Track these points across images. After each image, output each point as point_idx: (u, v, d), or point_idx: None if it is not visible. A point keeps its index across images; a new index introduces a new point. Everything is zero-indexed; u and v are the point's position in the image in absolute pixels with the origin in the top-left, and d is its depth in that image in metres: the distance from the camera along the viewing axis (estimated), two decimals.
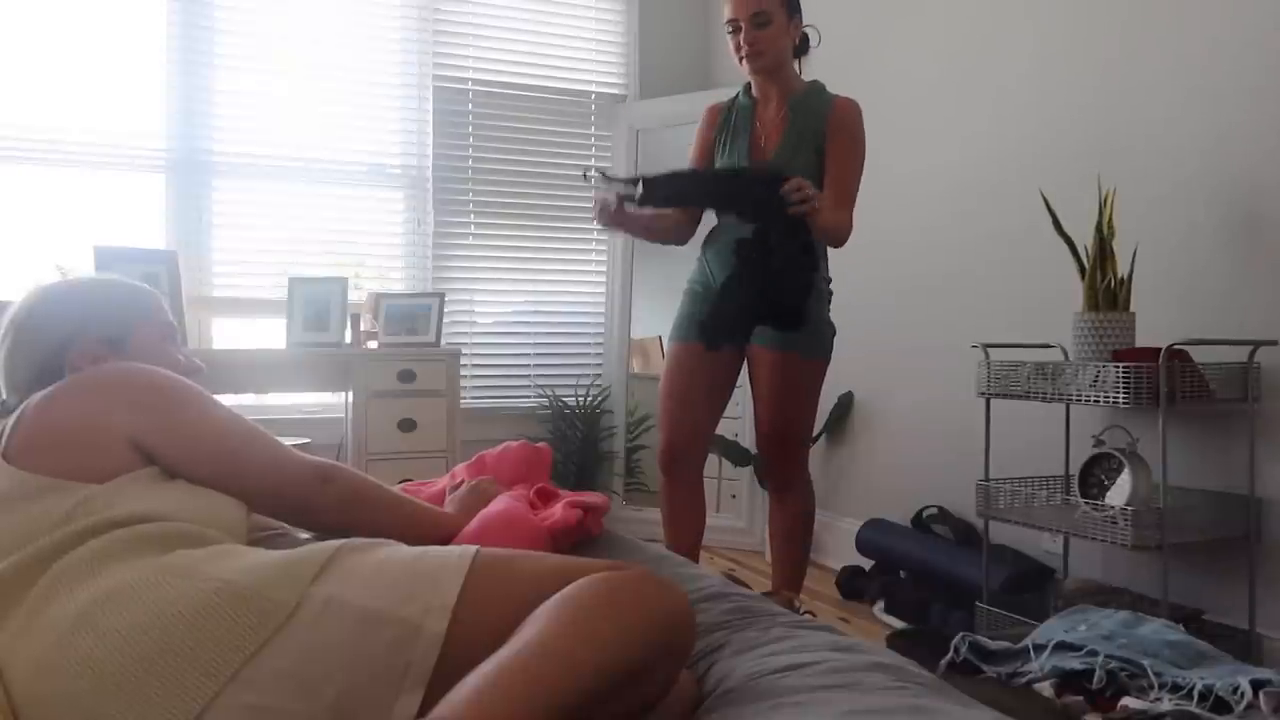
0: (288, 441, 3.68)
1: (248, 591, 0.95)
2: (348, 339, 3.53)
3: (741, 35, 2.43)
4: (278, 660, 0.91)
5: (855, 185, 2.45)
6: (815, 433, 3.65)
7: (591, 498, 1.77)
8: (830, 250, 2.55)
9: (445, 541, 1.40)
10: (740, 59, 2.47)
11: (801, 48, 2.57)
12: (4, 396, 1.27)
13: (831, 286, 2.57)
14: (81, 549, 1.00)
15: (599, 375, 4.30)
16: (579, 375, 4.26)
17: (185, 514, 1.10)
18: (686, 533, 2.58)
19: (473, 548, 1.06)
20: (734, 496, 3.96)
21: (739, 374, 2.61)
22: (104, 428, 1.12)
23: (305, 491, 1.23)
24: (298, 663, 0.91)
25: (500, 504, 1.59)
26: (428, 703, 0.90)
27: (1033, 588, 2.67)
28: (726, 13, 2.46)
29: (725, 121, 2.59)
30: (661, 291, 3.81)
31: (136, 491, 1.09)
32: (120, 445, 1.12)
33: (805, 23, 2.53)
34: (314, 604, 0.95)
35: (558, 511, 1.66)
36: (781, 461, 2.59)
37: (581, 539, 1.75)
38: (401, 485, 2.00)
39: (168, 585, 0.95)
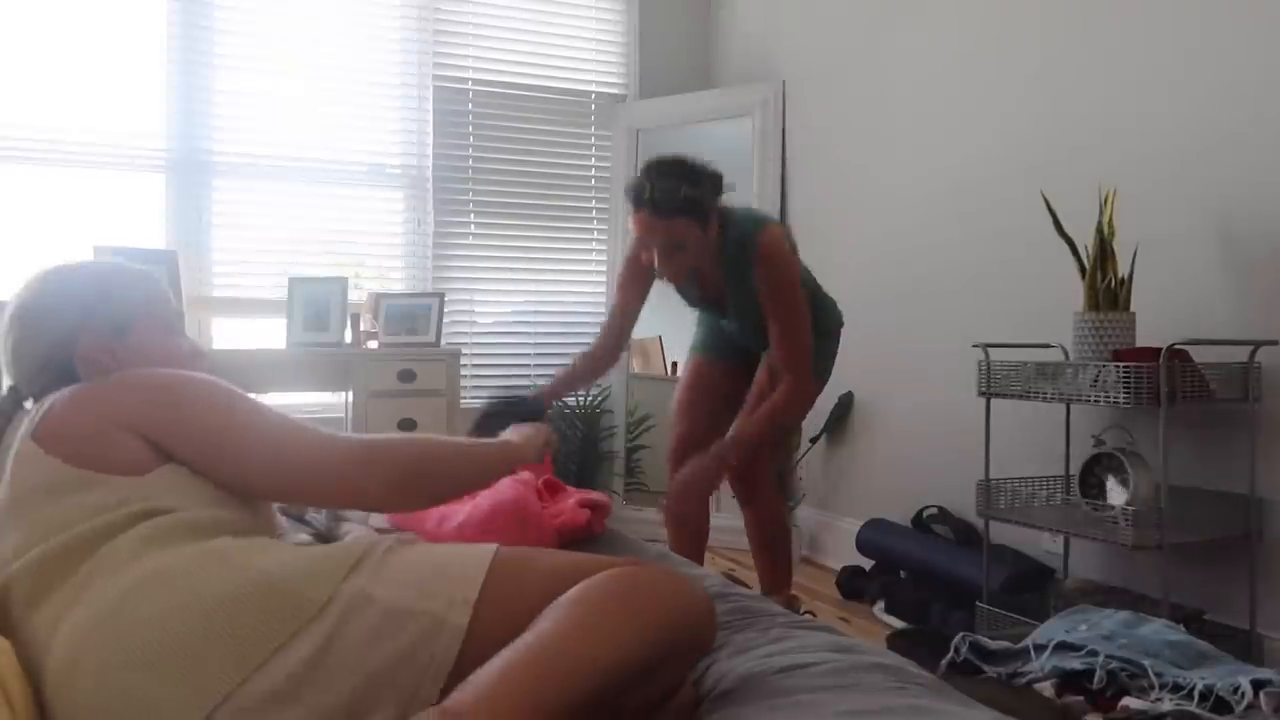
0: None
1: (282, 585, 0.98)
2: (348, 339, 3.53)
3: (656, 255, 2.22)
4: (305, 652, 0.94)
5: (804, 339, 2.30)
6: (815, 433, 3.66)
7: (598, 497, 1.78)
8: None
9: (511, 470, 1.38)
10: (659, 272, 2.29)
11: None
12: (10, 384, 1.25)
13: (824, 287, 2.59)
14: (130, 532, 1.02)
15: None
16: None
17: (227, 506, 1.12)
18: (692, 535, 2.59)
19: (492, 546, 1.10)
20: (734, 497, 3.95)
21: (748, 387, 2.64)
22: (129, 444, 1.09)
23: (349, 485, 1.14)
24: (324, 655, 0.94)
25: (511, 492, 1.59)
26: (446, 694, 0.93)
27: (1033, 588, 2.67)
28: (631, 227, 2.23)
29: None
30: (661, 292, 3.81)
31: (180, 484, 1.10)
32: (151, 454, 1.10)
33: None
34: (343, 600, 0.98)
35: (567, 510, 1.67)
36: (744, 470, 2.61)
37: (584, 537, 1.75)
38: None
39: (206, 570, 0.99)
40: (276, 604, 0.96)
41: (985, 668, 1.89)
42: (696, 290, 2.49)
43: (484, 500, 1.65)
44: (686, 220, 2.16)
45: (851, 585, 3.20)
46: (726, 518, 3.92)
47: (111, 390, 1.12)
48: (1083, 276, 2.41)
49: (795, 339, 2.29)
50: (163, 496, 1.07)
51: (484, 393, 4.14)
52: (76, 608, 0.97)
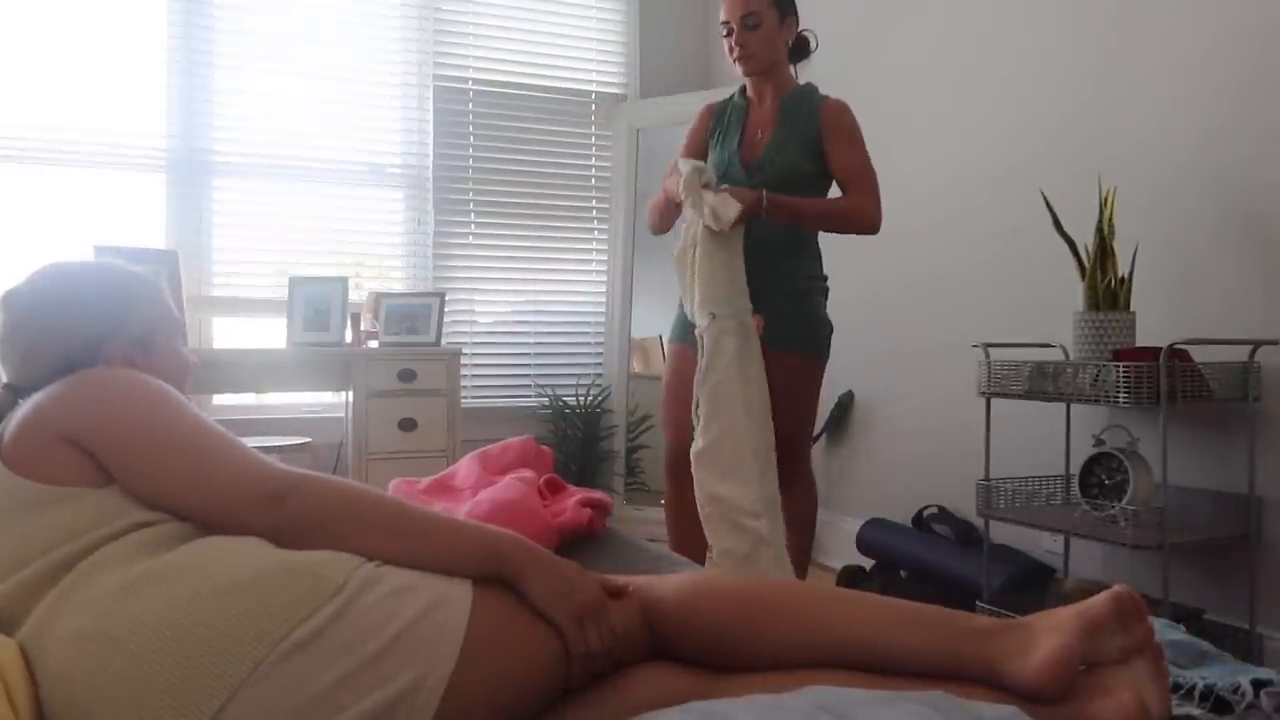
0: (288, 442, 3.60)
1: (301, 567, 1.01)
2: (348, 338, 3.53)
3: (733, 37, 2.44)
4: (319, 621, 0.97)
5: (869, 172, 2.41)
6: (816, 432, 3.66)
7: (599, 496, 1.79)
8: (825, 249, 2.54)
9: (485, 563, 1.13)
10: (734, 60, 2.48)
11: (799, 51, 2.57)
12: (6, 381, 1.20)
13: (828, 284, 2.56)
14: (123, 540, 1.02)
15: (599, 375, 4.30)
16: (579, 375, 4.26)
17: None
18: (694, 535, 2.57)
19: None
20: None
21: None
22: (68, 454, 1.07)
23: (246, 518, 1.07)
24: (338, 628, 0.98)
25: (513, 491, 1.60)
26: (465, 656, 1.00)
27: (1033, 588, 2.67)
28: (721, 15, 2.49)
29: (719, 120, 2.60)
30: (661, 291, 3.81)
31: None
32: (94, 462, 1.08)
33: (804, 26, 2.53)
34: (357, 581, 1.02)
35: (569, 509, 1.67)
36: (785, 461, 2.59)
37: (585, 536, 1.76)
38: (393, 484, 2.00)
39: (220, 561, 1.00)
40: (298, 582, 0.99)
41: None
42: (738, 136, 2.50)
43: (485, 498, 1.66)
44: (767, 1, 2.41)
45: (852, 585, 3.20)
46: None
47: (46, 399, 1.09)
48: (1082, 276, 2.41)
49: (864, 173, 2.38)
50: (142, 508, 1.06)
51: (484, 393, 4.15)
52: (65, 615, 0.96)
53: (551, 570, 1.10)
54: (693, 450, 2.25)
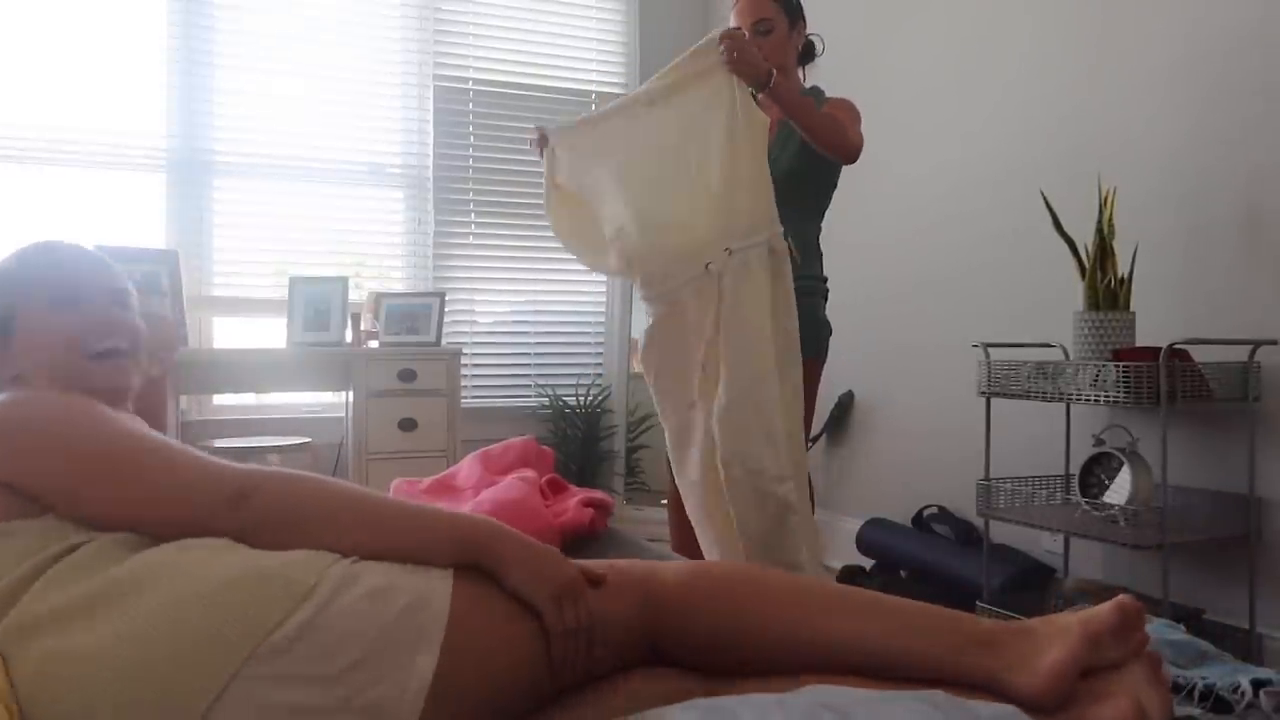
0: (288, 442, 3.59)
1: (272, 571, 0.98)
2: (348, 338, 3.53)
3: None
4: (294, 627, 0.94)
5: (852, 119, 2.38)
6: (815, 432, 3.66)
7: (601, 496, 1.79)
8: (825, 249, 2.55)
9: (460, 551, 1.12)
10: None
11: (807, 55, 2.58)
12: None
13: (828, 285, 2.57)
14: (77, 553, 0.98)
15: (599, 375, 4.30)
16: (579, 375, 4.26)
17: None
18: (695, 534, 2.57)
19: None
20: None
21: None
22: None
23: (214, 522, 1.03)
24: (314, 635, 0.94)
25: (515, 491, 1.60)
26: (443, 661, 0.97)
27: (1033, 587, 2.67)
28: (731, 22, 2.48)
29: None
30: None
31: None
32: (21, 497, 1.03)
33: (810, 30, 2.54)
34: (330, 583, 0.98)
35: (571, 510, 1.68)
36: None
37: (587, 536, 1.76)
38: (395, 483, 2.00)
39: (181, 571, 0.97)
40: (268, 587, 0.95)
41: None
42: None
43: (487, 498, 1.66)
44: (777, 6, 2.44)
45: (852, 585, 3.20)
46: None
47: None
48: (1082, 276, 2.42)
49: (845, 116, 2.36)
50: (84, 530, 1.01)
51: (484, 392, 4.15)
52: (26, 639, 0.92)
53: (528, 553, 1.08)
54: (715, 406, 2.02)
